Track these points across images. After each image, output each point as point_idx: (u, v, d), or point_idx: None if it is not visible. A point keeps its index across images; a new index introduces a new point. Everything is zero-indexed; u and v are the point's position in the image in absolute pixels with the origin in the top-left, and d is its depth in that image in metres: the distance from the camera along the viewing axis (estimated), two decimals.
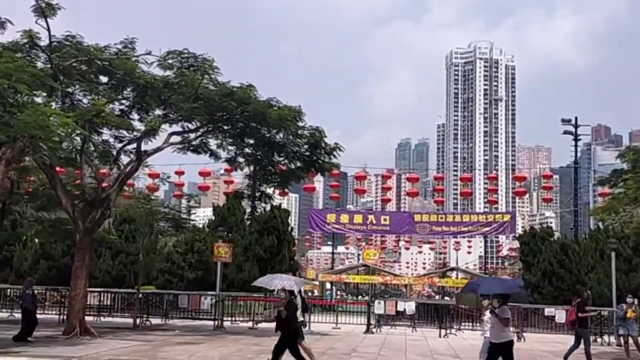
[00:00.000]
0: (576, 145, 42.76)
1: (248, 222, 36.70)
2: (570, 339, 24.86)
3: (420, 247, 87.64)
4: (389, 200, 41.45)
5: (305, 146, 23.64)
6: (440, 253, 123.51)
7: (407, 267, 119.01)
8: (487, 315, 12.13)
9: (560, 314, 24.99)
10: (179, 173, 41.81)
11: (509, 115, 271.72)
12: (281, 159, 24.36)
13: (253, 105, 21.73)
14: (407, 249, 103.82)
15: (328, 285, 55.39)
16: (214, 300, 25.48)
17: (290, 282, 13.99)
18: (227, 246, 25.93)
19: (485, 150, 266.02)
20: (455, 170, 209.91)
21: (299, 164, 24.24)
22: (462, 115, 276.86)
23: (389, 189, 40.49)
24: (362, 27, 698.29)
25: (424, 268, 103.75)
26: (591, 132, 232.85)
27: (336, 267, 62.78)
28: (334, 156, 23.70)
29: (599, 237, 34.96)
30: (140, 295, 25.25)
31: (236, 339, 20.29)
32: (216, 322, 24.19)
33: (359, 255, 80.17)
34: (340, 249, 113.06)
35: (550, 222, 50.43)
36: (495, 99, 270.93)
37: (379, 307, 25.05)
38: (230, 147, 25.42)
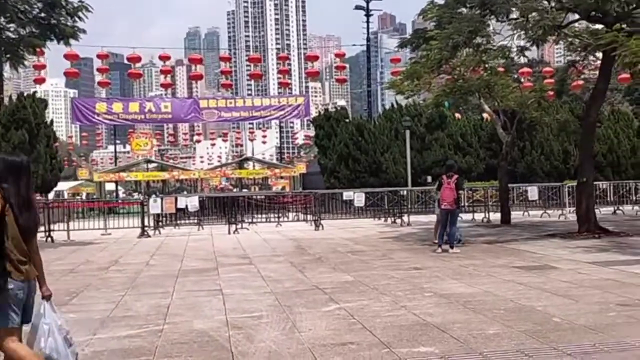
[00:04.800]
0: (368, 21, 40.86)
1: None
2: (366, 222, 23.43)
3: (213, 139, 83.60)
4: (170, 85, 36.36)
5: (39, 4, 17.77)
6: (236, 145, 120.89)
7: (202, 162, 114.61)
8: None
9: (359, 197, 22.94)
10: None
11: (299, 3, 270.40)
12: (7, 22, 18.18)
13: None
14: (199, 141, 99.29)
15: (110, 187, 49.63)
16: None
17: None
18: None
19: (277, 39, 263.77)
20: (247, 59, 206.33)
21: (33, 29, 18.31)
22: (252, 2, 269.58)
23: (169, 72, 35.13)
24: None
25: (219, 161, 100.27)
26: (378, 21, 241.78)
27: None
28: (79, 18, 18.15)
29: (393, 116, 33.82)
30: None
31: None
32: None
33: (156, 151, 74.15)
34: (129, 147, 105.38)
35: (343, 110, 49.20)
36: None
37: (154, 206, 20.82)
38: None
